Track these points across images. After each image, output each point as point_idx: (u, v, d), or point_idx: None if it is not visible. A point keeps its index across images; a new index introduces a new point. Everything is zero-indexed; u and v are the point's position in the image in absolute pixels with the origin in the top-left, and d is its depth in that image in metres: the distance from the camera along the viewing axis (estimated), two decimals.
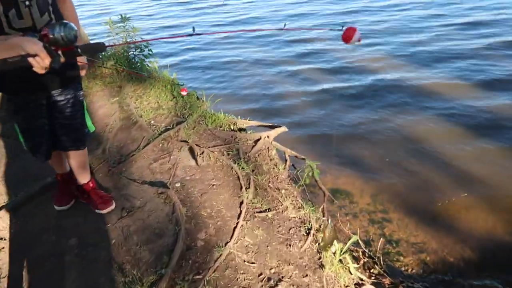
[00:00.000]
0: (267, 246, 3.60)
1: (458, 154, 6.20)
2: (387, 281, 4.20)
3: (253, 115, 7.16)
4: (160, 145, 4.97)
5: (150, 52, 7.44)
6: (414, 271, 4.37)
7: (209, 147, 4.95)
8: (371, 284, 4.08)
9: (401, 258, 4.53)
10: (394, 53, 10.67)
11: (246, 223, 3.78)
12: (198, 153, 4.70)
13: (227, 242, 3.53)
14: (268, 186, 4.41)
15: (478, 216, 5.00)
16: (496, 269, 4.41)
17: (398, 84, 8.87)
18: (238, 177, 4.34)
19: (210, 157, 4.68)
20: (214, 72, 10.54)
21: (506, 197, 5.27)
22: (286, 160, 5.07)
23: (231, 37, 13.43)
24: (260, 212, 3.97)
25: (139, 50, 7.40)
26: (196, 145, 4.92)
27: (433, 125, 7.10)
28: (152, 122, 5.56)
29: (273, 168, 4.81)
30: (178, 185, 4.26)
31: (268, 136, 5.19)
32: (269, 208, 4.04)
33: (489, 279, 4.32)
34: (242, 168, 4.52)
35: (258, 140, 5.13)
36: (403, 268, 4.41)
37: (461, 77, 8.90)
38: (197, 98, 6.42)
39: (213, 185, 4.27)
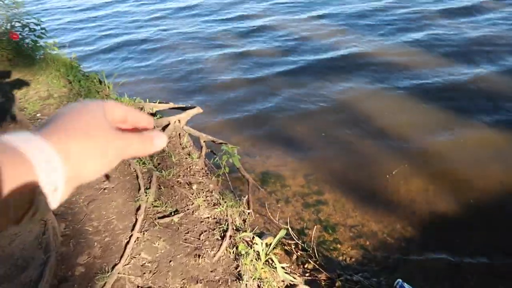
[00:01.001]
0: (170, 261, 2.87)
1: (396, 125, 5.74)
2: (323, 276, 3.65)
3: (172, 97, 6.30)
4: None
5: (43, 32, 6.25)
6: (353, 260, 3.85)
7: None
8: (305, 283, 3.52)
9: (338, 246, 3.99)
10: (331, 25, 10.08)
11: (143, 234, 3.02)
12: None
13: (116, 264, 2.76)
14: (177, 182, 3.64)
15: (418, 187, 4.57)
16: (440, 243, 4.01)
17: (335, 56, 8.30)
18: (137, 175, 3.54)
19: None
20: (129, 54, 9.38)
21: (446, 163, 4.90)
22: (201, 147, 4.31)
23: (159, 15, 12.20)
24: (163, 217, 3.22)
25: (27, 29, 6.18)
26: None
27: (370, 96, 6.60)
28: (38, 115, 4.55)
29: (185, 158, 4.05)
30: None
31: (179, 120, 4.38)
32: (175, 211, 3.30)
33: (432, 254, 3.92)
34: (144, 163, 3.71)
35: (167, 126, 4.31)
36: (340, 258, 3.88)
37: (400, 46, 8.49)
38: (100, 81, 5.43)
39: (104, 189, 3.43)
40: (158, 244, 2.97)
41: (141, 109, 4.82)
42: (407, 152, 5.09)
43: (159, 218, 3.19)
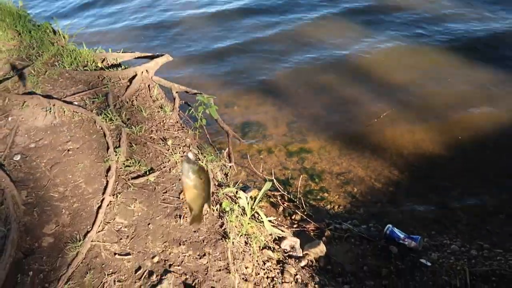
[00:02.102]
0: (149, 224, 2.63)
1: (381, 69, 5.46)
2: (311, 226, 3.51)
3: (138, 48, 5.77)
4: None
5: None
6: (341, 208, 3.73)
7: (66, 96, 3.65)
8: (293, 235, 3.38)
9: (326, 195, 3.85)
10: None
11: (117, 197, 2.74)
12: (48, 108, 3.41)
13: (88, 232, 2.50)
14: (150, 138, 3.32)
15: (404, 131, 4.42)
16: (427, 186, 3.93)
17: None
18: (104, 133, 3.19)
19: (64, 111, 3.42)
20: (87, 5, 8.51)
21: (433, 103, 4.73)
22: (174, 99, 3.94)
23: None
24: (137, 177, 2.93)
25: None
26: (46, 96, 3.59)
27: (356, 42, 6.20)
28: None
29: (158, 112, 3.70)
30: (17, 158, 3.02)
31: (146, 71, 3.97)
32: (150, 169, 3.01)
33: (421, 197, 3.84)
34: (111, 119, 3.35)
35: (134, 77, 3.90)
36: (328, 207, 3.76)
37: None
38: (54, 32, 4.85)
39: (68, 151, 3.09)
40: (134, 207, 2.71)
41: (103, 60, 4.36)
42: (393, 97, 4.88)
43: (132, 178, 2.91)
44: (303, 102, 5.12)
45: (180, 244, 2.54)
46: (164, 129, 3.53)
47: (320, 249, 3.20)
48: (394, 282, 2.97)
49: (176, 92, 3.97)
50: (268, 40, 6.36)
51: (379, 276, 3.02)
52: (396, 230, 3.25)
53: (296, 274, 2.84)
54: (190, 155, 1.66)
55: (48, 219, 2.58)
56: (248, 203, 3.06)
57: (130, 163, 3.01)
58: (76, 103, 3.55)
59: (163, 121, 3.63)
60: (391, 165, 4.07)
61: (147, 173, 2.98)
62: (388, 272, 3.03)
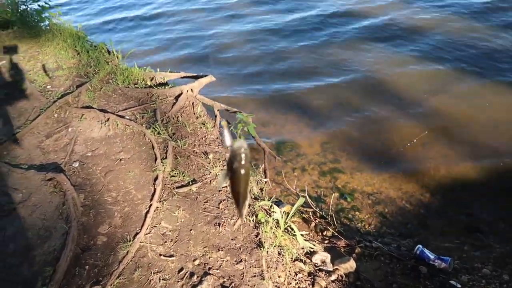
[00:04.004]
0: (191, 230, 2.86)
1: (415, 93, 5.54)
2: (342, 243, 3.63)
3: (183, 68, 6.16)
4: (56, 115, 3.96)
5: (47, 2, 6.12)
6: (371, 226, 3.83)
7: (119, 111, 4.00)
8: (325, 250, 3.51)
9: (357, 213, 3.96)
10: None
11: (163, 204, 3.00)
12: (103, 121, 3.77)
13: (137, 233, 2.76)
14: (193, 152, 3.59)
15: (437, 154, 4.49)
16: (458, 208, 3.96)
17: (356, 26, 8.01)
18: (153, 145, 3.49)
19: (117, 124, 3.76)
20: (138, 26, 9.15)
21: (466, 127, 4.77)
22: (215, 116, 4.23)
23: None
24: (181, 186, 3.19)
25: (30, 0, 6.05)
26: (102, 110, 3.96)
27: (389, 65, 6.37)
28: (48, 87, 4.48)
29: (200, 127, 3.98)
30: (76, 165, 3.35)
31: (191, 89, 4.29)
32: (193, 180, 3.26)
33: (451, 220, 3.87)
34: (159, 133, 3.66)
35: (180, 95, 4.22)
36: (359, 225, 3.86)
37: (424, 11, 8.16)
38: (108, 52, 5.31)
39: (121, 160, 3.40)
40: (178, 213, 2.95)
41: (152, 78, 4.73)
42: (427, 120, 4.95)
43: (177, 187, 3.16)
44: (337, 123, 5.28)
45: (218, 250, 2.75)
46: (206, 144, 3.80)
47: (350, 265, 3.31)
48: None
49: (218, 110, 4.25)
50: (302, 61, 6.61)
51: None
52: (426, 250, 3.31)
53: (326, 287, 2.97)
54: (227, 138, 1.44)
55: (102, 220, 2.87)
56: (282, 217, 3.24)
57: (175, 173, 3.28)
58: (127, 117, 3.89)
59: (205, 136, 3.90)
60: (422, 188, 4.13)
61: (190, 183, 3.23)
62: None
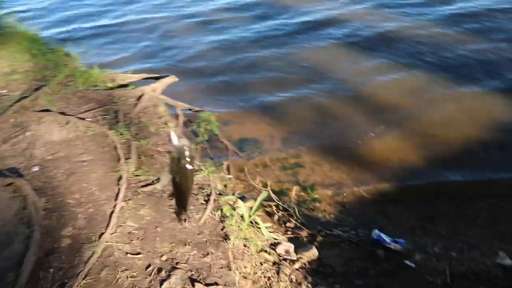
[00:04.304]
0: (157, 227, 2.91)
1: (371, 88, 5.82)
2: (304, 233, 3.80)
3: (144, 69, 6.14)
4: (12, 120, 3.87)
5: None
6: (332, 216, 4.03)
7: (79, 114, 3.97)
8: (288, 240, 3.66)
9: (318, 204, 4.15)
10: None
11: (128, 203, 3.03)
12: (63, 124, 3.73)
13: (102, 234, 2.77)
14: (156, 151, 3.64)
15: (391, 146, 4.76)
16: (412, 195, 4.24)
17: (307, 19, 8.23)
18: (115, 146, 3.50)
19: (78, 127, 3.73)
20: (102, 32, 8.92)
21: (418, 122, 5.08)
22: (178, 116, 4.28)
23: None
24: (146, 185, 3.23)
25: None
26: (61, 113, 3.91)
27: (346, 60, 6.63)
28: (3, 92, 4.35)
29: (163, 127, 4.02)
30: (36, 169, 3.31)
31: (153, 90, 4.32)
32: (157, 179, 3.31)
33: (405, 205, 4.14)
34: (121, 134, 3.67)
35: (142, 96, 4.24)
36: (320, 215, 4.05)
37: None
38: (66, 54, 5.22)
39: (83, 162, 3.38)
40: (143, 212, 2.99)
41: (113, 80, 4.71)
42: (381, 117, 5.22)
43: (141, 186, 3.20)
44: (296, 120, 5.46)
45: (185, 245, 2.82)
46: (169, 144, 3.85)
47: (313, 253, 3.48)
48: (381, 281, 3.24)
49: (181, 109, 4.31)
50: (267, 63, 6.75)
51: (368, 276, 3.29)
52: (382, 235, 3.54)
53: (291, 275, 3.11)
54: (173, 137, 1.46)
55: (66, 223, 2.85)
56: (246, 211, 3.36)
57: (140, 173, 3.31)
58: (89, 119, 3.87)
59: (168, 136, 3.95)
60: (378, 177, 4.39)
61: (155, 182, 3.27)
62: (376, 273, 3.31)
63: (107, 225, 2.82)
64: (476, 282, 3.12)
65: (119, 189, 3.09)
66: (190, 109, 4.40)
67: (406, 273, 3.28)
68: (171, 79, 4.51)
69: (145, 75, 4.78)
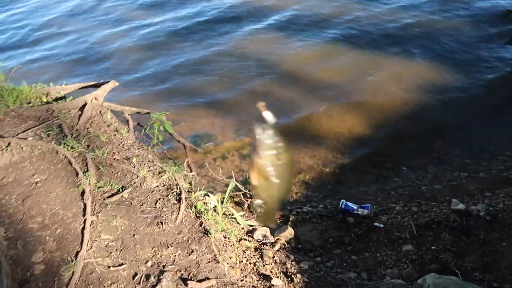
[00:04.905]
0: (134, 235, 2.80)
1: (306, 68, 6.02)
2: (277, 215, 3.89)
3: (82, 79, 5.77)
4: None
5: None
6: (299, 194, 4.16)
7: (18, 134, 3.65)
8: (263, 225, 3.71)
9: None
10: None
11: (97, 216, 2.88)
12: (3, 147, 3.40)
13: (78, 252, 2.61)
14: (114, 159, 3.47)
15: (338, 120, 5.00)
16: (367, 161, 4.51)
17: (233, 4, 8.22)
18: (69, 161, 3.28)
19: (22, 147, 3.43)
20: (23, 41, 8.14)
21: (358, 94, 5.38)
22: (127, 121, 4.11)
23: None
24: (112, 195, 3.08)
25: None
26: None
27: (284, 43, 6.76)
28: None
29: (114, 135, 3.84)
30: None
31: (96, 98, 4.09)
32: (122, 187, 3.17)
33: (363, 172, 4.39)
34: (72, 147, 3.44)
35: (84, 106, 4.00)
36: (288, 196, 4.15)
37: None
38: None
39: (36, 183, 3.13)
40: (116, 222, 2.86)
41: (47, 94, 4.38)
42: (325, 93, 5.45)
43: (108, 197, 3.04)
44: (243, 108, 5.51)
45: (168, 247, 2.75)
46: (125, 150, 3.69)
47: (289, 232, 3.57)
48: (356, 246, 3.43)
49: (129, 114, 4.13)
50: (202, 59, 6.68)
51: (344, 244, 3.47)
52: (349, 203, 3.73)
53: (274, 256, 3.17)
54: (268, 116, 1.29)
55: (34, 249, 2.64)
56: (218, 203, 3.35)
57: (102, 184, 3.15)
58: (31, 138, 3.58)
59: (121, 143, 3.78)
60: (333, 151, 4.60)
61: (120, 190, 3.13)
62: (350, 239, 3.50)
63: (81, 242, 2.66)
64: (438, 229, 3.42)
65: (85, 204, 2.92)
66: (138, 113, 4.24)
67: (377, 234, 3.51)
68: (112, 84, 4.30)
69: (82, 84, 4.50)
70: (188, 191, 3.44)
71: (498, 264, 3.18)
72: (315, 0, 7.86)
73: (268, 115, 1.42)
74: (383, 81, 5.55)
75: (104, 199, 3.03)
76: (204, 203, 3.36)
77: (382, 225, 3.56)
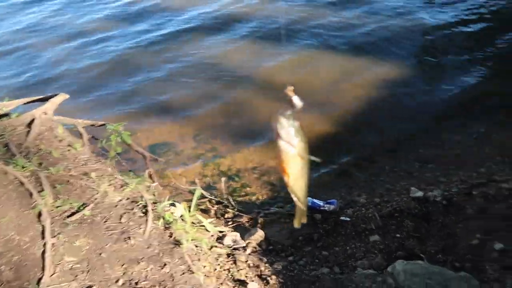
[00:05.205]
0: (100, 254, 2.66)
1: (263, 70, 6.03)
2: (245, 219, 3.86)
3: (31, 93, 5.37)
4: None
5: None
6: (265, 196, 4.16)
7: None
8: (232, 230, 3.67)
9: (248, 189, 4.24)
10: None
11: (58, 238, 2.70)
12: None
13: (40, 279, 2.43)
14: (71, 176, 3.28)
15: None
16: (328, 160, 4.58)
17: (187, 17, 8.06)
18: (21, 181, 3.05)
19: None
20: None
21: (317, 96, 5.44)
22: (81, 134, 3.90)
23: None
24: (72, 214, 2.91)
25: None
26: None
27: (232, 49, 6.73)
28: None
29: (68, 150, 3.63)
30: None
31: (45, 112, 3.84)
32: (83, 204, 3.00)
33: (326, 172, 4.48)
34: (23, 167, 3.21)
35: (32, 121, 3.74)
36: (254, 198, 4.15)
37: None
38: None
39: None
40: (79, 242, 2.70)
41: None
42: (282, 98, 5.45)
43: (68, 217, 2.86)
44: (201, 114, 5.43)
45: (138, 262, 2.64)
46: (81, 165, 3.50)
47: (259, 235, 3.56)
48: (326, 241, 3.48)
49: (82, 127, 3.92)
50: (156, 66, 6.51)
51: (313, 241, 3.51)
52: (315, 200, 3.78)
53: (247, 260, 3.14)
54: (296, 100, 1.31)
55: None
56: (185, 212, 3.27)
57: (60, 203, 2.96)
58: None
59: (76, 158, 3.59)
60: None
61: (81, 208, 2.96)
62: (319, 235, 3.55)
63: (43, 268, 2.49)
64: (401, 217, 3.56)
65: (43, 226, 2.73)
66: (92, 125, 4.04)
67: (344, 228, 3.58)
68: (62, 97, 4.06)
69: (27, 99, 4.21)
70: (154, 203, 3.33)
71: (457, 245, 3.37)
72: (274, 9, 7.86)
73: (297, 100, 1.44)
74: (336, 79, 5.70)
75: (64, 218, 2.85)
76: (172, 213, 3.27)
77: (348, 219, 3.65)
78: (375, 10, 7.44)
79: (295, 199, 1.63)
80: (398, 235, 3.42)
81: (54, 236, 2.70)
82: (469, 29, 6.68)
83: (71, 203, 2.98)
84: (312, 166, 4.37)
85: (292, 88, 1.49)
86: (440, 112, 5.06)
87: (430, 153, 4.43)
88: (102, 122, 4.02)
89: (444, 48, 6.28)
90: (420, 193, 3.77)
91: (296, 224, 1.79)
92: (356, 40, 6.60)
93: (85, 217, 2.90)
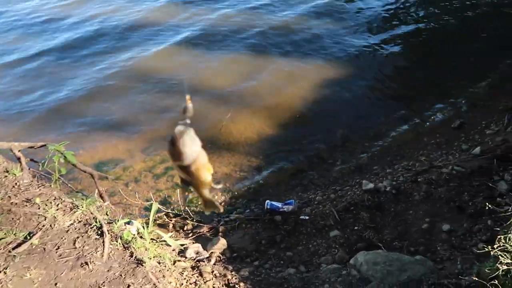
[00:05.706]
0: (56, 284, 2.45)
1: (197, 77, 6.00)
2: (205, 229, 3.78)
3: None
4: None
5: None
6: (223, 204, 4.11)
7: None
8: (194, 242, 3.58)
9: None
10: None
11: (5, 273, 2.45)
12: None
13: None
14: (11, 204, 3.00)
15: (245, 124, 5.08)
16: (280, 161, 4.66)
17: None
18: None
19: None
20: None
21: (260, 98, 5.52)
22: (19, 158, 3.58)
23: None
24: (18, 245, 2.65)
25: None
26: None
27: (166, 56, 6.63)
28: None
29: (5, 176, 3.32)
30: None
31: None
32: (30, 233, 2.76)
33: (280, 169, 4.54)
34: None
35: None
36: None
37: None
38: None
39: None
40: (31, 275, 2.47)
41: None
42: (228, 101, 5.47)
43: (13, 249, 2.61)
44: (146, 126, 5.26)
45: (100, 287, 2.47)
46: (23, 191, 3.21)
47: (222, 243, 3.51)
48: (288, 242, 3.53)
49: (19, 150, 3.61)
50: (88, 79, 6.19)
51: (276, 243, 3.53)
52: (274, 202, 3.81)
53: (213, 271, 3.08)
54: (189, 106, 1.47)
55: None
56: (143, 229, 3.13)
57: (3, 234, 2.69)
58: None
59: (16, 184, 3.29)
60: (247, 155, 4.66)
61: (27, 238, 2.72)
62: (282, 237, 3.57)
63: None
64: (357, 210, 3.70)
65: None
66: (31, 147, 3.73)
67: (304, 226, 3.65)
68: None
69: None
70: (109, 223, 3.15)
71: (409, 230, 3.57)
72: (217, 16, 7.84)
73: (190, 108, 1.54)
74: (281, 83, 5.82)
75: (10, 251, 2.60)
76: (129, 231, 3.12)
77: (307, 217, 3.72)
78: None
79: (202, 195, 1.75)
80: (356, 228, 3.55)
81: (1, 272, 2.45)
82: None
83: (15, 234, 2.72)
84: (267, 168, 4.41)
85: (189, 97, 1.57)
86: (381, 106, 5.36)
87: (375, 145, 4.67)
88: (42, 143, 3.72)
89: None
90: (371, 185, 3.94)
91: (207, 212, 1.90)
92: (296, 43, 6.81)
93: (33, 247, 2.66)
